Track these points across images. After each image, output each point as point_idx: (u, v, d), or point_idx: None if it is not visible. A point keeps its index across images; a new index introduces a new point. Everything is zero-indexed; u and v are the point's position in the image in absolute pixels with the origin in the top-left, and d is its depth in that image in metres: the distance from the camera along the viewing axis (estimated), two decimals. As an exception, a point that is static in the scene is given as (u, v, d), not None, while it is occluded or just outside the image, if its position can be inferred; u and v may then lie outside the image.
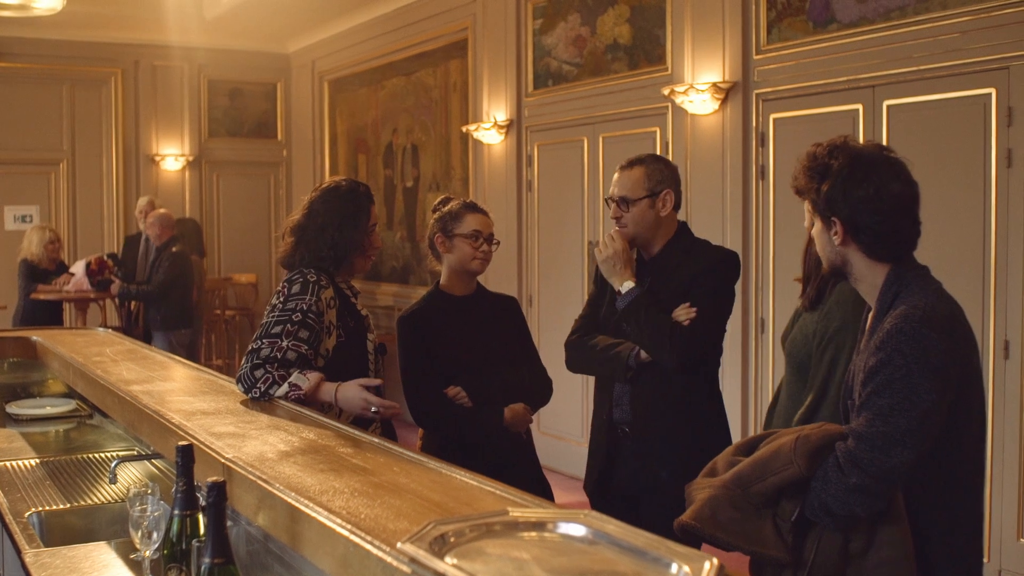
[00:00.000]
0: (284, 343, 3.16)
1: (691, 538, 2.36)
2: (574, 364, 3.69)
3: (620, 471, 3.56)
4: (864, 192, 2.38)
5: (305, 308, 3.20)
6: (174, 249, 8.62)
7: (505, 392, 3.70)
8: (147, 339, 8.47)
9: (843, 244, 2.44)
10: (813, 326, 2.89)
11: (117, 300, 9.10)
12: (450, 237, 3.67)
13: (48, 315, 8.72)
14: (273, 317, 3.22)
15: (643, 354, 3.41)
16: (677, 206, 3.53)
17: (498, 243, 3.75)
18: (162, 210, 9.12)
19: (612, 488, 3.59)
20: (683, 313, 3.34)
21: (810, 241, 2.89)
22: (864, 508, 2.29)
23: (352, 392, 3.12)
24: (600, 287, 3.69)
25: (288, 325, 3.18)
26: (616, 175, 3.55)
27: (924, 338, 2.28)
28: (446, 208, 3.72)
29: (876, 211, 2.38)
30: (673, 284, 3.42)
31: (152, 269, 8.64)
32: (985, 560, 4.79)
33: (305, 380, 3.11)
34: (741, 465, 2.40)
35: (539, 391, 3.85)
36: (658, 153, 6.55)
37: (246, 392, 3.13)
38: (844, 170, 2.40)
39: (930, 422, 2.29)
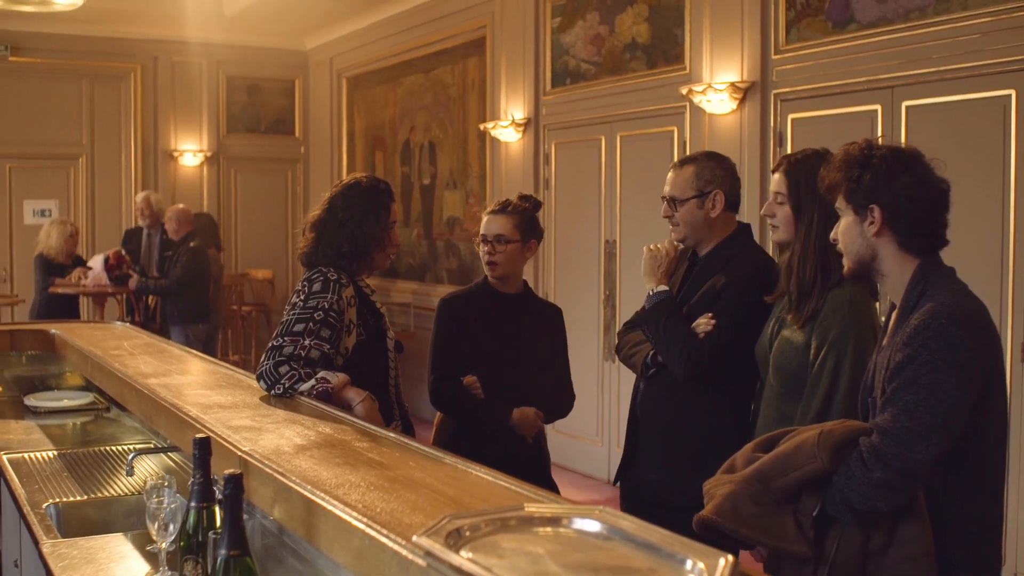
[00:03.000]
0: (306, 341, 3.14)
1: (711, 534, 2.36)
2: (618, 353, 3.70)
3: (638, 465, 3.56)
4: (908, 178, 2.42)
5: (327, 307, 3.19)
6: (192, 244, 8.66)
7: (520, 393, 3.74)
8: (164, 333, 8.50)
9: (877, 235, 2.45)
10: (805, 336, 2.85)
11: (134, 295, 9.14)
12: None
13: (65, 309, 8.74)
14: (294, 315, 3.20)
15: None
16: (733, 207, 3.43)
17: (511, 241, 3.73)
18: (180, 205, 9.19)
19: (633, 480, 3.59)
20: (703, 323, 3.29)
21: (801, 254, 2.88)
22: (887, 503, 2.29)
23: (373, 415, 3.08)
24: None
25: (310, 324, 3.17)
26: (669, 174, 3.48)
27: (951, 335, 2.30)
28: None
29: (918, 199, 2.42)
30: (707, 288, 3.36)
31: (170, 264, 8.69)
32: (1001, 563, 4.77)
33: (334, 376, 3.10)
34: (762, 460, 2.40)
35: (558, 403, 3.89)
36: (675, 153, 6.56)
37: (268, 389, 3.10)
38: (888, 158, 2.44)
39: (954, 419, 2.30)
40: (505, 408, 3.69)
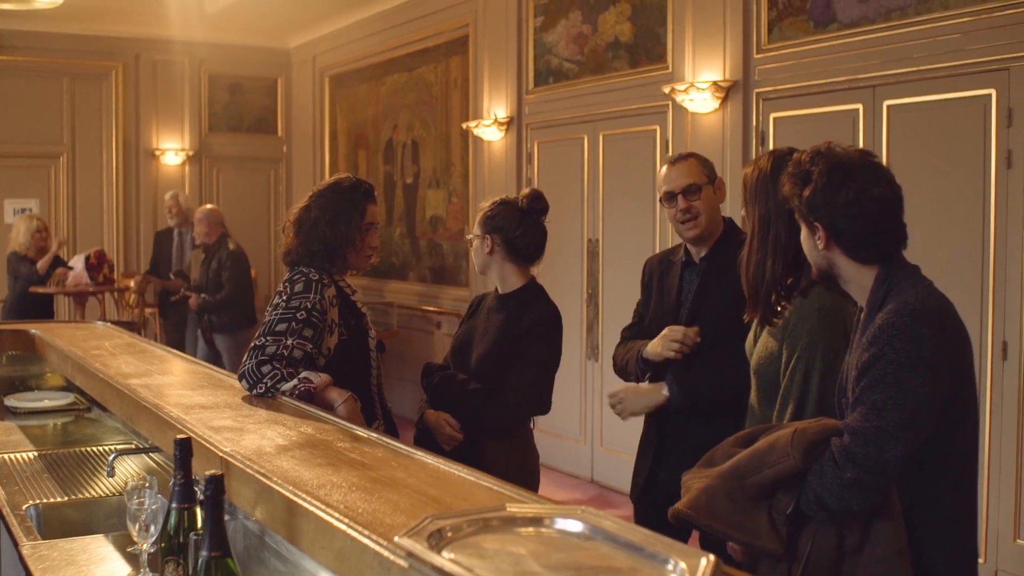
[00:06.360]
0: (289, 341, 3.14)
1: (687, 527, 2.39)
2: (614, 368, 3.64)
3: (665, 479, 3.39)
4: (843, 198, 2.39)
5: (309, 306, 3.19)
6: (231, 247, 8.34)
7: (440, 397, 3.60)
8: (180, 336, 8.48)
9: (827, 248, 2.45)
10: (777, 344, 2.83)
11: (196, 312, 8.82)
12: None
13: (38, 308, 8.47)
14: (277, 315, 3.20)
15: (644, 352, 3.38)
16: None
17: (473, 236, 3.64)
18: (209, 206, 8.83)
19: (657, 494, 3.41)
20: (690, 335, 3.26)
21: (747, 255, 2.88)
22: (859, 503, 2.29)
23: (355, 416, 3.05)
24: (646, 295, 3.63)
25: (292, 323, 3.17)
26: (666, 171, 3.45)
27: (915, 332, 2.29)
28: None
29: (856, 215, 2.39)
30: (726, 286, 3.26)
31: (211, 271, 8.31)
32: (982, 561, 4.79)
33: (317, 376, 3.09)
34: (738, 456, 2.40)
35: (485, 416, 3.49)
36: (657, 152, 6.58)
37: (250, 389, 3.10)
38: (823, 176, 2.41)
39: (923, 415, 2.30)
40: (424, 407, 3.63)
